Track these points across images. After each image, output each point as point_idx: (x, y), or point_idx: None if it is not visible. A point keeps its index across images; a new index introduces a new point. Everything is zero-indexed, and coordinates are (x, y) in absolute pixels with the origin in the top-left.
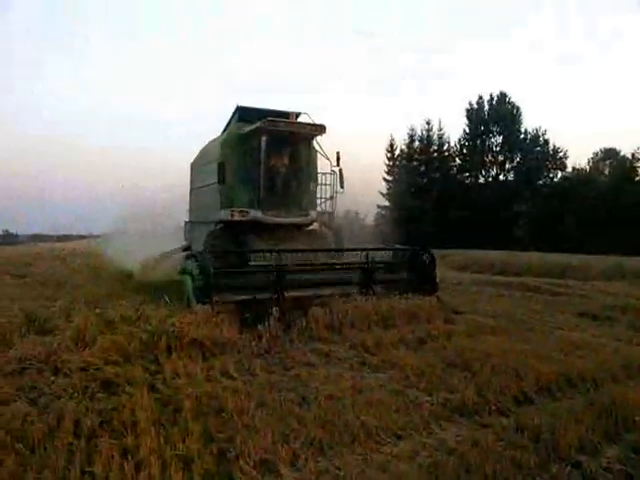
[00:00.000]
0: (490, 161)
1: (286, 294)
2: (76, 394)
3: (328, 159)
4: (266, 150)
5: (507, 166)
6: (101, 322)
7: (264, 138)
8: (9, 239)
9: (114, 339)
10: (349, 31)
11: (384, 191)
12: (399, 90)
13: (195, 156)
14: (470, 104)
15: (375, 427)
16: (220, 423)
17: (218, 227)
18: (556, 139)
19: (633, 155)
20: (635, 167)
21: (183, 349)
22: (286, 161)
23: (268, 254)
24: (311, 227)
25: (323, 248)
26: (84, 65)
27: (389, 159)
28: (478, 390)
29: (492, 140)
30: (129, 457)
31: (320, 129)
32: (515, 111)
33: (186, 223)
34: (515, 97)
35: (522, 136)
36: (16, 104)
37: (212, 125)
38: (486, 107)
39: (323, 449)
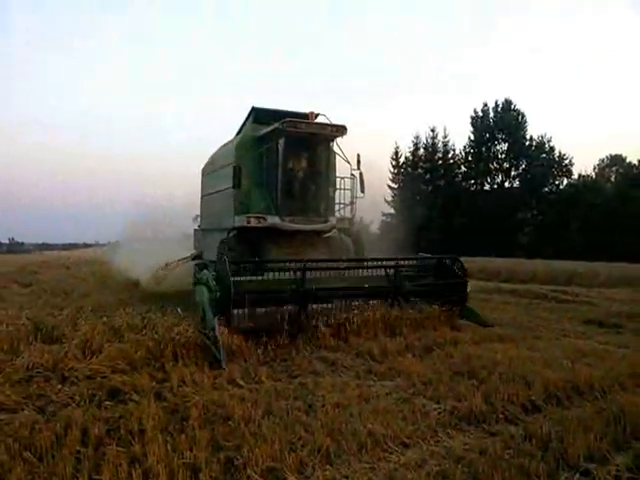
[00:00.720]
0: (495, 168)
1: (309, 307)
2: (83, 402)
3: (348, 162)
4: (284, 153)
5: (512, 173)
6: (108, 330)
7: (283, 140)
8: (15, 247)
9: (121, 347)
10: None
11: (388, 198)
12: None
13: (206, 161)
14: (475, 111)
15: (382, 435)
16: (227, 431)
17: (232, 234)
18: (562, 146)
19: (639, 162)
20: None
21: (190, 357)
22: (304, 164)
23: (287, 263)
24: (330, 234)
25: (345, 257)
26: (88, 71)
27: (394, 167)
28: (486, 398)
29: (497, 147)
30: (137, 465)
31: (341, 130)
32: (520, 118)
33: (196, 231)
34: (520, 104)
35: (527, 143)
36: (15, 112)
37: (212, 131)
38: (491, 114)
39: (330, 457)
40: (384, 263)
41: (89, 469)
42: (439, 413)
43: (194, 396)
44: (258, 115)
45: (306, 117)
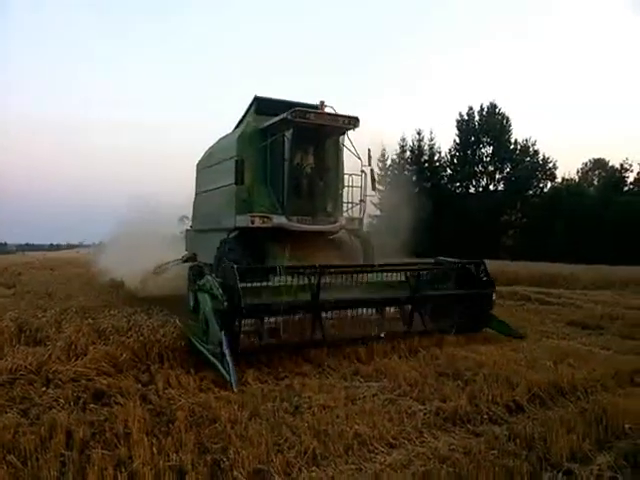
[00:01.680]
0: (480, 171)
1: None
2: (68, 405)
3: (359, 158)
4: (292, 146)
5: (497, 176)
6: (93, 332)
7: (291, 132)
8: None
9: (106, 349)
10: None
11: (375, 200)
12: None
13: (201, 156)
14: (460, 115)
15: (368, 436)
16: (214, 433)
17: (233, 235)
18: (546, 150)
19: (621, 165)
20: (623, 177)
21: (175, 359)
22: (312, 159)
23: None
24: (338, 235)
25: (354, 260)
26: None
27: (380, 169)
28: (470, 399)
29: (482, 150)
30: (122, 468)
31: (354, 122)
32: (505, 122)
33: (188, 231)
34: (505, 108)
35: (512, 147)
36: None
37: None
38: (476, 118)
39: (317, 459)
40: (403, 269)
41: (74, 472)
42: (424, 414)
43: (180, 398)
44: (261, 105)
45: (315, 108)
